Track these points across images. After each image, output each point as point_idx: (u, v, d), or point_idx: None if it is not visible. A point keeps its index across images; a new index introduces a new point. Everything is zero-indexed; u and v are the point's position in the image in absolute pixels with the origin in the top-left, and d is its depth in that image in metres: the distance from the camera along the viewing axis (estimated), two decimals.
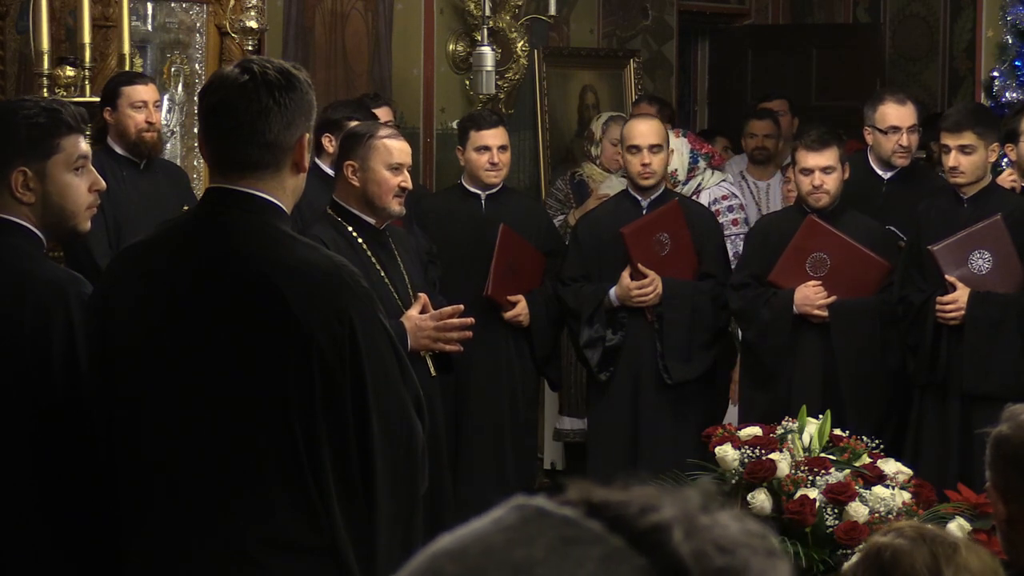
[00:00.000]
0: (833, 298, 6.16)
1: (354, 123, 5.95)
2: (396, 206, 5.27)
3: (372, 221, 5.30)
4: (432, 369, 5.32)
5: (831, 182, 6.19)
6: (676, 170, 7.21)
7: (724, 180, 7.64)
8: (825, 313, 6.18)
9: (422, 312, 5.23)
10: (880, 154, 6.62)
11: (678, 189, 7.17)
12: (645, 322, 6.44)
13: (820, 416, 5.20)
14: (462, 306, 5.33)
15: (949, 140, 6.03)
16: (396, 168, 5.25)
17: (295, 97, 3.02)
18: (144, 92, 6.28)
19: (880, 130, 6.57)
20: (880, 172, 6.66)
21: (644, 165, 6.47)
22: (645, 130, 6.55)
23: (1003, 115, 7.14)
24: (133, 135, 6.28)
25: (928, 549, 2.20)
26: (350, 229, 5.25)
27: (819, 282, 6.19)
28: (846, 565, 4.64)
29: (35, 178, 3.32)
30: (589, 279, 6.54)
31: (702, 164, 7.51)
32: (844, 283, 6.16)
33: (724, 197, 7.43)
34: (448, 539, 0.98)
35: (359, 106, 6.80)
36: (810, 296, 6.18)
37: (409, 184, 5.31)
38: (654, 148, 6.45)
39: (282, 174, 3.06)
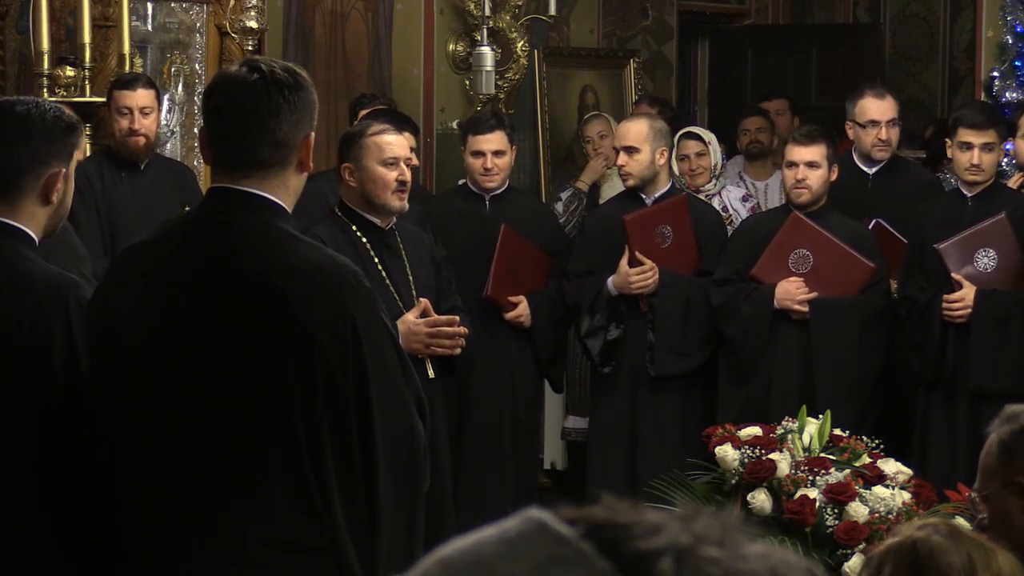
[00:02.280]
0: (814, 294, 6.13)
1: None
2: (396, 201, 5.24)
3: (377, 221, 5.29)
4: (431, 371, 5.32)
5: (814, 178, 6.16)
6: (717, 163, 7.38)
7: (728, 182, 7.74)
8: (806, 309, 6.13)
9: (422, 316, 5.23)
10: (861, 149, 6.66)
11: (711, 184, 7.31)
12: (643, 317, 6.41)
13: (819, 417, 5.20)
14: (456, 318, 5.34)
15: (973, 138, 6.00)
16: (391, 163, 5.21)
17: (303, 96, 3.04)
18: (130, 98, 6.16)
19: (860, 124, 6.61)
20: (864, 168, 6.68)
21: (620, 166, 6.51)
22: (622, 131, 6.63)
23: (1004, 115, 7.14)
24: (117, 139, 6.22)
25: (966, 550, 2.18)
26: (354, 228, 5.24)
27: (801, 278, 6.18)
28: (851, 561, 4.65)
29: (63, 178, 3.30)
30: (594, 275, 6.52)
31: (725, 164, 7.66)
32: (826, 281, 6.12)
33: (749, 195, 7.63)
34: (453, 544, 0.98)
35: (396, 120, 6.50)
36: (791, 291, 6.13)
37: (407, 177, 5.26)
38: (630, 150, 6.45)
39: (287, 173, 3.06)
